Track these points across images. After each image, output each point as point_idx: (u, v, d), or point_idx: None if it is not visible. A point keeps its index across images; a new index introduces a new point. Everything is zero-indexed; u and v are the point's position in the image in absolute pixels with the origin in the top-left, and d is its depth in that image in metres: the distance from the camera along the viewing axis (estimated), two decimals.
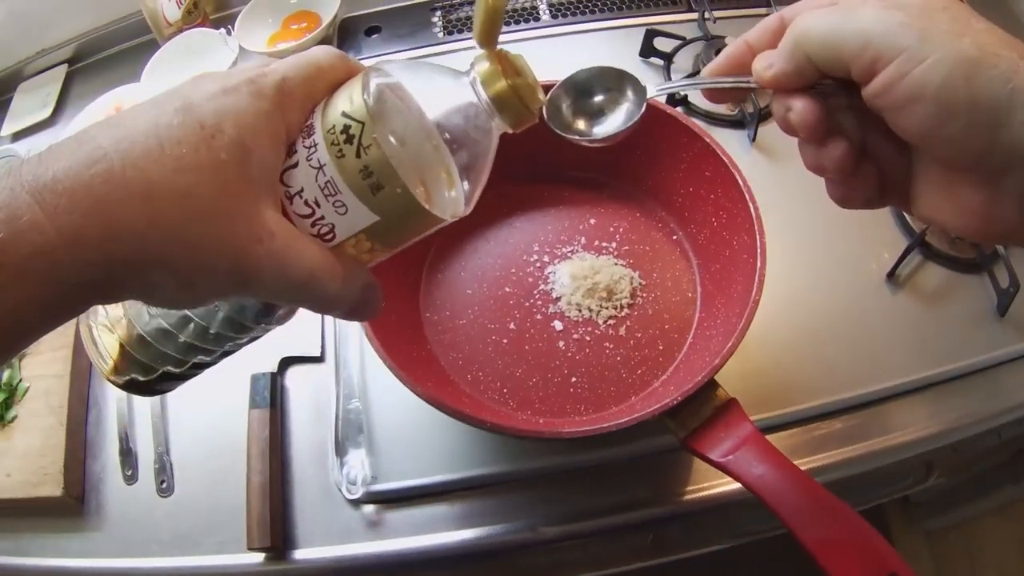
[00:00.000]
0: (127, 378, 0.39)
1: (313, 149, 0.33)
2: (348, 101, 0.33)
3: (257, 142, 0.31)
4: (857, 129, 0.37)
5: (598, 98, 0.45)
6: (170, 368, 0.39)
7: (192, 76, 0.33)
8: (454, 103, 0.34)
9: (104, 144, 0.29)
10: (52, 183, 0.28)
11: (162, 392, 0.42)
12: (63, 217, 0.27)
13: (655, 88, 0.43)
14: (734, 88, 0.39)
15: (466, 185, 0.36)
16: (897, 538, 1.29)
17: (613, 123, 0.44)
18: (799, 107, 0.36)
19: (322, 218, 0.33)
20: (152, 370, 0.39)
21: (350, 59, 0.36)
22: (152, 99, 0.32)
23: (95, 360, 0.39)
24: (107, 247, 0.28)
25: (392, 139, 0.32)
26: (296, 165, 0.33)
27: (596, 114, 0.45)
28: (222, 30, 0.95)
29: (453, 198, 0.35)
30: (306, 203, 0.33)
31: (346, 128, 0.32)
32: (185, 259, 0.30)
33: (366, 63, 0.37)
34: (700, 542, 0.82)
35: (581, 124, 0.45)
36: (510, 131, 0.37)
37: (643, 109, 0.43)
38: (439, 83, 0.35)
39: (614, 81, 0.44)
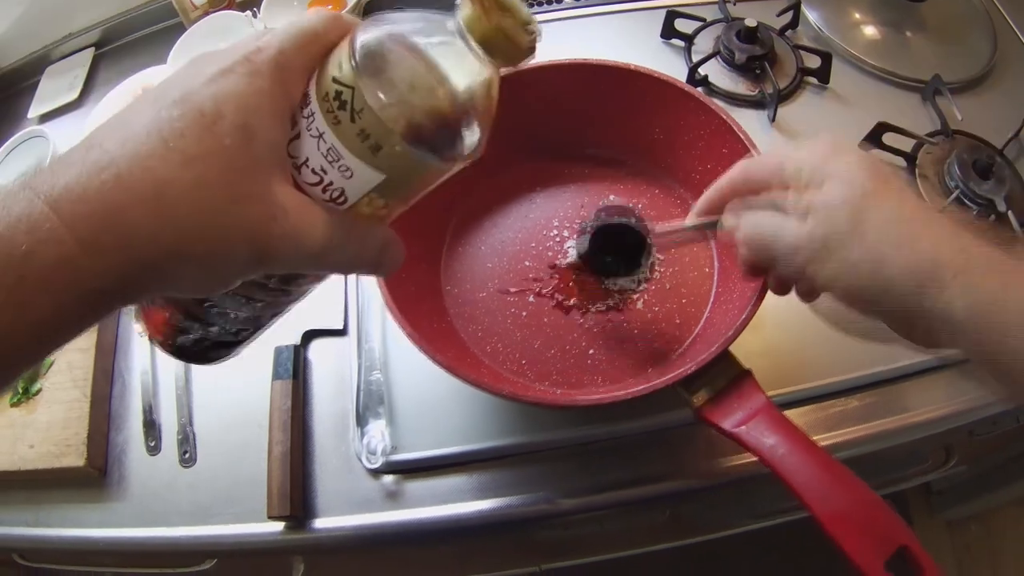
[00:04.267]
0: (177, 345, 0.40)
1: (311, 119, 0.33)
2: (338, 67, 0.32)
3: (259, 121, 0.31)
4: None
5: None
6: (219, 335, 0.39)
7: (189, 60, 0.33)
8: (443, 52, 0.33)
9: (110, 148, 0.29)
10: (67, 192, 0.28)
11: (216, 360, 0.42)
12: (81, 226, 0.28)
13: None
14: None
15: (473, 130, 0.35)
16: (918, 527, 1.30)
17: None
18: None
19: (331, 184, 0.33)
20: (202, 338, 0.39)
21: (345, 18, 0.35)
22: (151, 92, 0.31)
23: (144, 329, 0.40)
24: (124, 252, 0.28)
25: (383, 97, 0.32)
26: (299, 136, 0.33)
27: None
28: (248, 13, 0.96)
29: (459, 147, 0.35)
30: (313, 171, 0.33)
31: (338, 94, 0.32)
32: (203, 251, 0.30)
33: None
34: (715, 522, 0.83)
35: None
36: (508, 66, 0.35)
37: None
38: (426, 34, 0.34)
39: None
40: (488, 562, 0.94)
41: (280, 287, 0.39)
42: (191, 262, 0.30)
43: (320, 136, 0.32)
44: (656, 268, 0.68)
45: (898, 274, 0.40)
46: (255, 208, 0.31)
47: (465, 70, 0.34)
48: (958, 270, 0.39)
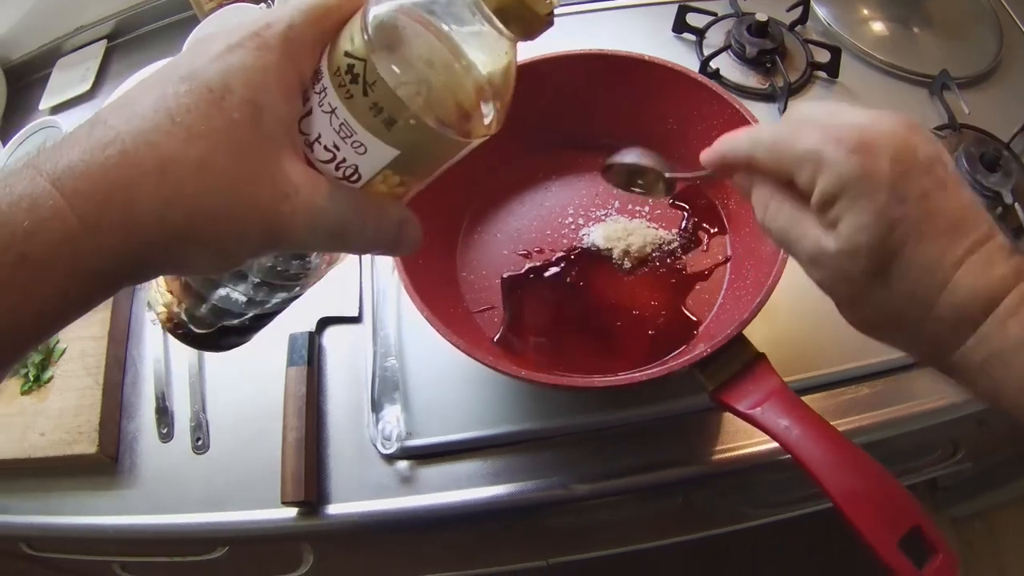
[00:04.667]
0: (184, 331, 0.39)
1: (323, 94, 0.32)
2: (349, 40, 0.32)
3: (268, 97, 0.30)
4: None
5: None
6: (230, 322, 0.39)
7: (196, 38, 0.32)
8: (458, 24, 0.32)
9: (115, 124, 0.28)
10: (69, 170, 0.27)
11: (227, 348, 0.41)
12: (83, 204, 0.27)
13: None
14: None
15: (489, 104, 0.34)
16: None
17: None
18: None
19: (344, 160, 0.33)
20: (210, 324, 0.39)
21: None
22: (158, 71, 0.31)
23: (156, 313, 0.39)
24: (129, 231, 0.28)
25: (396, 70, 0.31)
26: (311, 112, 0.32)
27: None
28: (262, 5, 0.97)
29: (475, 120, 0.34)
30: (325, 148, 0.32)
31: (350, 68, 0.31)
32: (212, 230, 0.29)
33: None
34: (726, 512, 0.83)
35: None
36: (524, 39, 0.34)
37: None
38: (441, 5, 0.33)
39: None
40: (497, 554, 0.94)
41: (293, 270, 0.38)
42: (199, 242, 0.29)
43: (332, 111, 0.32)
44: (670, 256, 0.69)
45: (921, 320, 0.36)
46: (266, 186, 0.30)
47: (480, 41, 0.33)
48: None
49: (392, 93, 0.31)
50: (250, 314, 0.39)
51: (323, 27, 0.33)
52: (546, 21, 0.33)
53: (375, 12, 0.32)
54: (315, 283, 0.41)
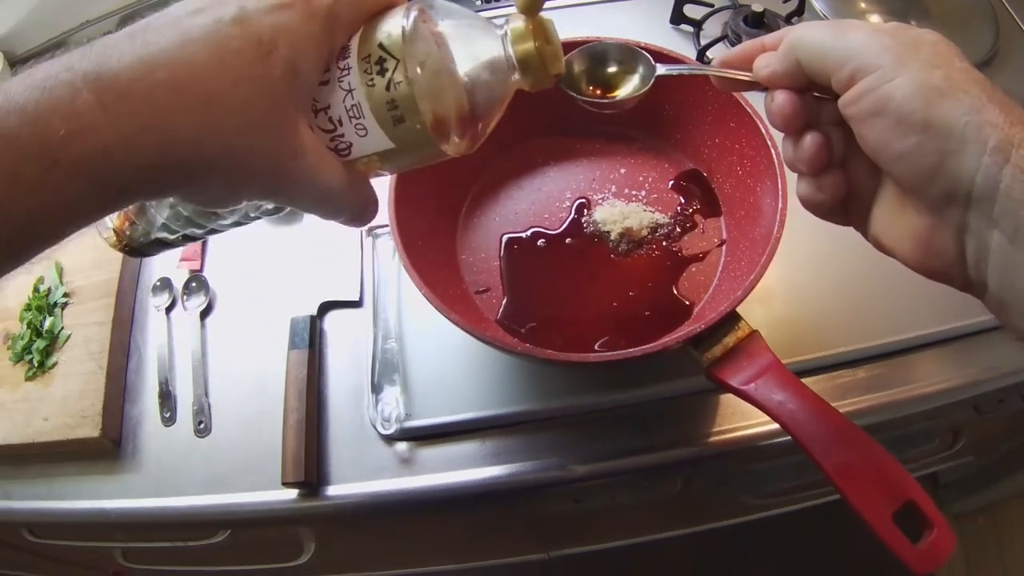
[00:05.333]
0: (126, 244, 0.41)
1: (346, 72, 0.34)
2: (387, 35, 0.34)
3: (305, 63, 0.32)
4: (841, 143, 0.39)
5: (611, 69, 0.47)
6: (164, 235, 0.41)
7: None
8: (484, 54, 0.37)
9: (166, 48, 0.29)
10: (113, 83, 0.28)
11: (148, 255, 0.44)
12: (124, 120, 0.28)
13: (664, 68, 0.45)
14: (735, 80, 0.42)
15: (478, 129, 0.38)
16: None
17: (621, 93, 0.47)
18: (779, 98, 0.39)
19: (342, 136, 0.35)
20: (147, 235, 0.41)
21: None
22: (204, 2, 0.32)
23: (101, 231, 0.41)
24: (163, 154, 0.29)
25: (422, 79, 0.34)
26: (328, 83, 0.34)
27: (607, 83, 0.47)
28: None
29: (464, 139, 0.37)
30: (330, 120, 0.35)
31: (381, 60, 0.34)
32: (235, 167, 0.31)
33: None
34: (724, 501, 0.83)
35: (591, 88, 0.47)
36: (527, 89, 0.39)
37: (651, 84, 0.45)
38: (474, 33, 0.37)
39: (628, 56, 0.46)
40: (498, 543, 0.94)
41: (248, 215, 0.41)
42: (221, 176, 0.31)
43: (350, 91, 0.34)
44: (666, 238, 0.70)
45: (958, 106, 0.33)
46: (286, 141, 0.32)
47: (493, 75, 0.37)
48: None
49: (412, 97, 0.34)
50: (181, 234, 0.42)
51: (361, 10, 0.35)
52: (551, 81, 0.39)
53: (418, 20, 0.35)
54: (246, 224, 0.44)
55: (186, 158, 0.30)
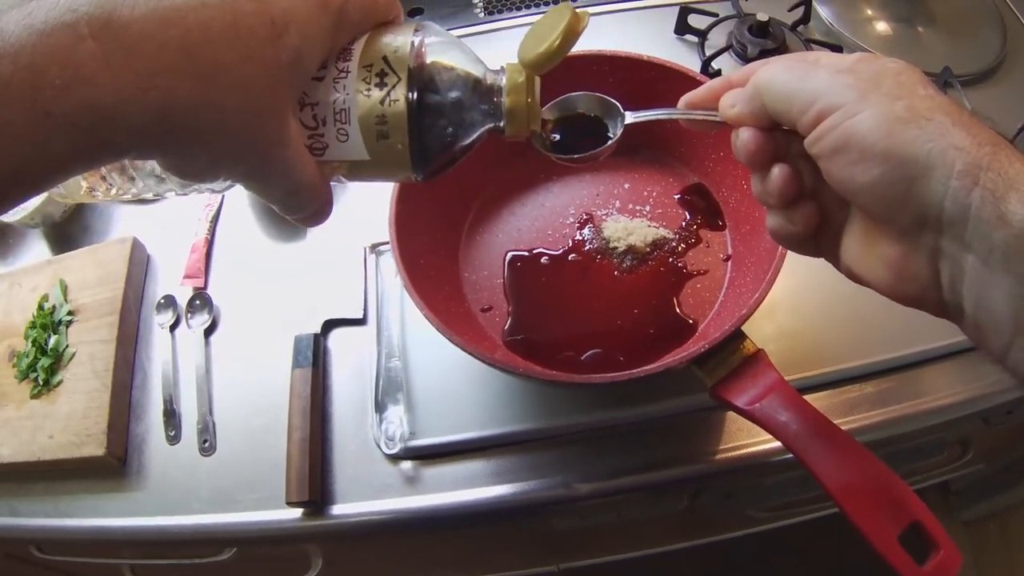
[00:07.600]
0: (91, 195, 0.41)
1: (343, 75, 0.34)
2: (394, 50, 0.34)
3: (309, 54, 0.32)
4: (811, 174, 0.39)
5: (583, 116, 0.45)
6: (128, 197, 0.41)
7: None
8: (474, 93, 0.37)
9: (180, 4, 0.28)
10: (122, 34, 0.27)
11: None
12: (127, 76, 0.27)
13: (632, 116, 0.43)
14: (703, 120, 0.42)
15: (452, 164, 0.38)
16: None
17: (592, 145, 0.44)
18: (744, 135, 0.39)
19: (321, 135, 0.35)
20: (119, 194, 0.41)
21: (399, 5, 0.37)
22: None
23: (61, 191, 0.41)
24: (162, 115, 0.28)
25: (419, 104, 0.34)
26: (322, 79, 0.34)
27: (580, 132, 0.45)
28: None
29: (430, 167, 0.37)
30: (314, 117, 0.34)
31: (382, 73, 0.34)
32: (224, 144, 0.31)
33: None
34: (731, 514, 0.83)
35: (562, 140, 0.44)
36: (499, 135, 0.39)
37: (620, 133, 0.44)
38: (471, 71, 0.37)
39: (596, 106, 0.45)
40: (506, 559, 0.94)
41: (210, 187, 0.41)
42: (209, 150, 0.31)
43: (343, 95, 0.34)
44: (671, 254, 0.69)
45: (920, 135, 0.32)
46: (276, 129, 0.32)
47: (486, 120, 0.38)
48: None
49: (403, 118, 0.34)
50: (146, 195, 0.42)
51: (371, 15, 0.35)
52: (529, 134, 0.39)
53: (432, 47, 0.35)
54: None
55: (182, 125, 0.29)
